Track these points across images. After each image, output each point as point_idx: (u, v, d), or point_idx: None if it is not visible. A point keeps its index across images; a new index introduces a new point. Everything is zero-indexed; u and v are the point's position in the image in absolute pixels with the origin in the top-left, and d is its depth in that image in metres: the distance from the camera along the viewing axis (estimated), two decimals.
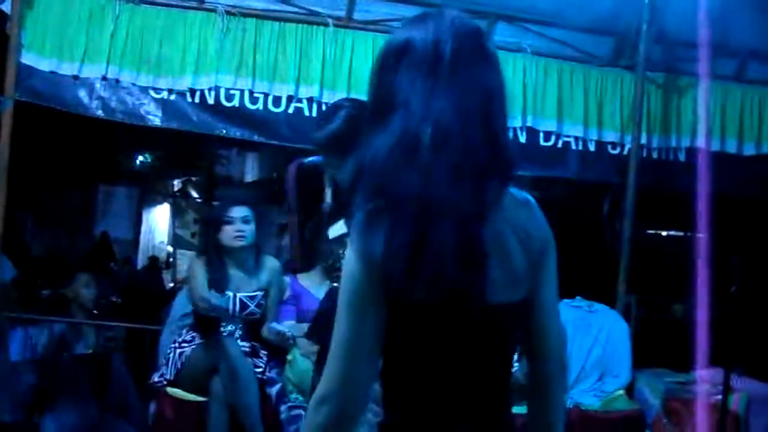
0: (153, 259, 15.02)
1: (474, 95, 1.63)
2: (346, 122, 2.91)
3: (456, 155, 1.58)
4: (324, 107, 5.13)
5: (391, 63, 1.70)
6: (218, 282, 4.39)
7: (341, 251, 2.96)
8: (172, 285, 13.22)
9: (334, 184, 3.13)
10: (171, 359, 4.39)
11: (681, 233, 6.27)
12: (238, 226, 4.43)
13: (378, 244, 1.58)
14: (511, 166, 1.67)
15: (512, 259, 1.65)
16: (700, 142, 5.65)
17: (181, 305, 4.74)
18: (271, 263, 4.58)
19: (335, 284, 2.98)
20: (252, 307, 4.41)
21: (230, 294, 4.39)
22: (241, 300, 4.39)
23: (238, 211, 4.47)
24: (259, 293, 4.45)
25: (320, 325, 3.06)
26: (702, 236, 5.03)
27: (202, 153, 15.61)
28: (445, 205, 1.57)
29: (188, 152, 15.12)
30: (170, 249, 17.80)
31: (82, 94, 5.12)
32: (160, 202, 18.41)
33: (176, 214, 18.41)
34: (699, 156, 5.47)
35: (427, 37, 1.66)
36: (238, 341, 4.37)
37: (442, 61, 1.63)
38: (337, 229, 3.01)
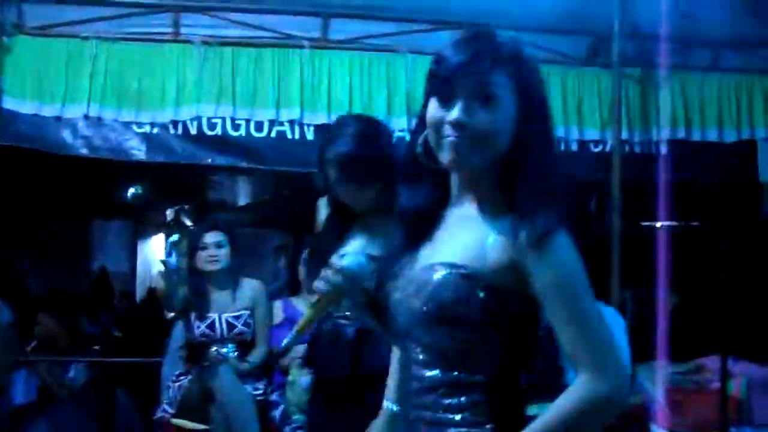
0: (151, 291, 14.97)
1: None
2: (356, 140, 2.78)
3: None
4: (306, 128, 5.19)
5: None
6: (199, 305, 4.51)
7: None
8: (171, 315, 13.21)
9: (334, 203, 2.95)
10: (171, 393, 4.46)
11: (675, 223, 6.29)
12: (211, 251, 4.59)
13: None
14: None
15: None
16: (681, 133, 5.72)
17: (178, 336, 4.77)
18: (252, 284, 4.73)
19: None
20: (239, 326, 4.52)
21: (215, 316, 4.49)
22: (227, 321, 4.52)
23: (211, 237, 4.64)
24: (244, 312, 4.57)
25: (315, 354, 3.04)
26: (691, 225, 5.08)
27: (193, 180, 15.62)
28: None
29: (179, 181, 15.13)
30: None
31: (66, 134, 5.17)
32: (155, 233, 18.39)
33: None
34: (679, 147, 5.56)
35: None
36: (238, 363, 4.45)
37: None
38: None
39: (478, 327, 1.69)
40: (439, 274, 1.70)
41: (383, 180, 2.65)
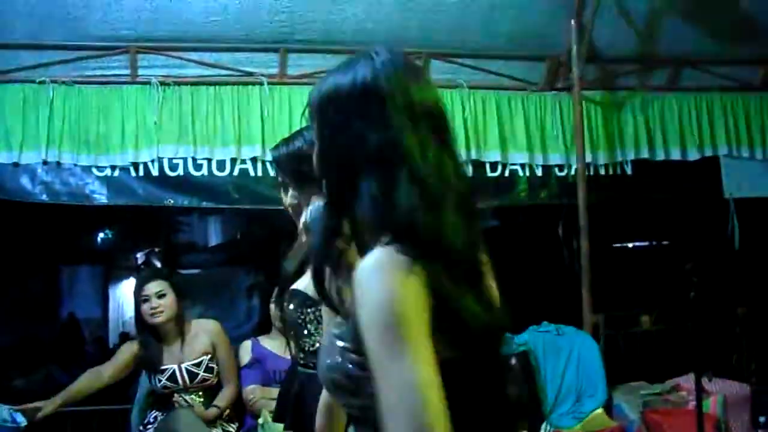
0: (124, 336, 14.82)
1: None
2: (309, 145, 2.67)
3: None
4: (268, 165, 5.15)
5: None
6: (152, 360, 4.39)
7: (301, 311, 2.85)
8: None
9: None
10: None
11: (642, 244, 6.30)
12: (153, 302, 4.43)
13: None
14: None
15: None
16: (644, 153, 5.74)
17: (145, 383, 4.68)
18: (206, 326, 4.59)
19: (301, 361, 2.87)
20: (201, 373, 4.41)
21: (174, 367, 4.39)
22: (187, 370, 4.40)
23: (151, 288, 4.46)
24: (204, 358, 4.44)
25: (286, 407, 2.97)
26: (658, 245, 5.08)
27: (162, 223, 15.53)
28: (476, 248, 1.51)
29: (148, 224, 15.04)
30: None
31: (24, 180, 5.10)
32: (126, 277, 18.23)
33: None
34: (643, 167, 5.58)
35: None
36: (203, 409, 4.35)
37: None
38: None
39: (368, 396, 1.41)
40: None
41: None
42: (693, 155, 5.83)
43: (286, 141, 2.82)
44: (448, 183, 1.51)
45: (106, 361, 4.64)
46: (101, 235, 16.34)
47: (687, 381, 5.07)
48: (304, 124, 5.14)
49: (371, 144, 1.50)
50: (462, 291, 1.46)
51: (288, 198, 2.65)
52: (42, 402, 4.24)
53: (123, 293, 18.07)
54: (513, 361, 4.92)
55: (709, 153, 5.84)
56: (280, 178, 2.73)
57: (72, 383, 4.45)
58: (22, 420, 4.10)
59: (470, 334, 1.47)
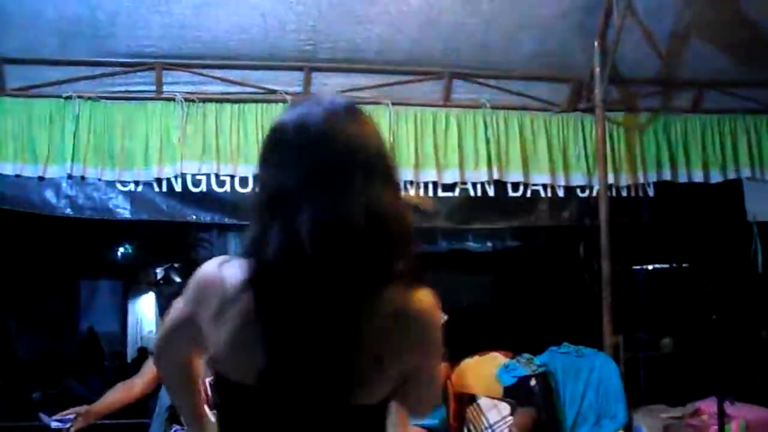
0: (142, 351, 14.87)
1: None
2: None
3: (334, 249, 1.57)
4: None
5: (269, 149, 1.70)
6: None
7: None
8: None
9: None
10: None
11: (664, 266, 6.27)
12: None
13: None
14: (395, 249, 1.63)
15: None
16: (666, 175, 5.72)
17: (166, 397, 4.68)
18: None
19: None
20: None
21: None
22: (210, 384, 4.38)
23: None
24: None
25: None
26: (680, 267, 5.06)
27: (182, 238, 15.60)
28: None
29: (168, 239, 15.11)
30: None
31: (49, 194, 5.15)
32: (145, 292, 18.31)
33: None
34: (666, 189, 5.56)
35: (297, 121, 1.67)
36: None
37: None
38: None
39: None
40: None
41: None
42: (716, 177, 5.80)
43: None
44: None
45: (123, 375, 4.63)
46: (121, 249, 16.42)
47: (708, 405, 5.03)
48: None
49: None
50: None
51: None
52: (78, 408, 4.25)
53: (141, 308, 18.16)
54: (533, 382, 4.90)
55: (732, 175, 5.81)
56: None
57: (106, 393, 4.45)
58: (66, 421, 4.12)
59: None
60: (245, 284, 1.60)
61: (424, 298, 1.68)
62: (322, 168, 1.61)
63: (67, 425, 4.08)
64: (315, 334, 1.57)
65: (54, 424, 4.07)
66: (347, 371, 1.59)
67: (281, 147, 1.66)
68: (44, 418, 4.10)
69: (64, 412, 4.18)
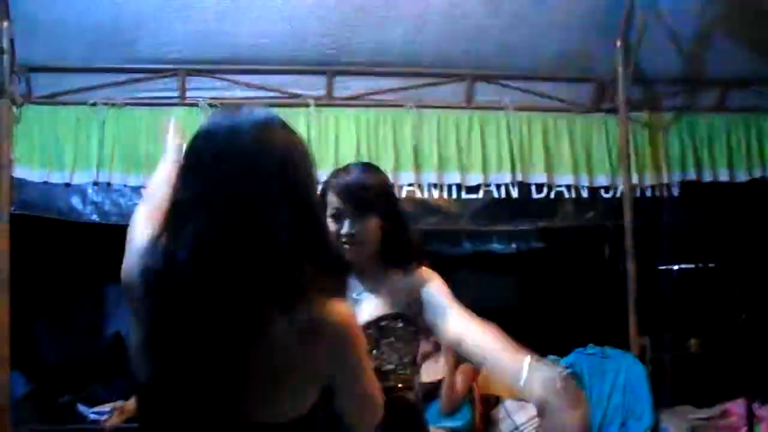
0: None
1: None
2: (359, 173, 2.63)
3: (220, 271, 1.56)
4: None
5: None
6: None
7: None
8: None
9: None
10: None
11: (690, 266, 6.23)
12: None
13: None
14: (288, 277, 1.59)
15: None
16: (691, 174, 5.68)
17: None
18: None
19: None
20: None
21: None
22: None
23: None
24: None
25: None
26: (706, 267, 5.02)
27: None
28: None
29: None
30: None
31: (75, 201, 5.18)
32: None
33: None
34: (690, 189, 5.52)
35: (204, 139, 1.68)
36: None
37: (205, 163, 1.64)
38: None
39: None
40: None
41: (384, 212, 2.57)
42: (741, 176, 5.76)
43: (346, 170, 2.73)
44: None
45: None
46: None
47: (737, 406, 5.00)
48: (350, 146, 5.21)
49: None
50: None
51: (346, 227, 2.56)
52: (116, 402, 4.28)
53: None
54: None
55: (757, 174, 5.77)
56: (337, 207, 2.62)
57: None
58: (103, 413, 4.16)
59: None
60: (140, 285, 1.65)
61: (340, 311, 1.64)
62: (216, 182, 1.60)
63: (104, 417, 4.14)
64: (194, 346, 1.57)
65: (93, 416, 4.12)
66: (235, 386, 1.57)
67: (187, 156, 1.68)
68: (83, 409, 4.16)
69: (103, 405, 4.24)
